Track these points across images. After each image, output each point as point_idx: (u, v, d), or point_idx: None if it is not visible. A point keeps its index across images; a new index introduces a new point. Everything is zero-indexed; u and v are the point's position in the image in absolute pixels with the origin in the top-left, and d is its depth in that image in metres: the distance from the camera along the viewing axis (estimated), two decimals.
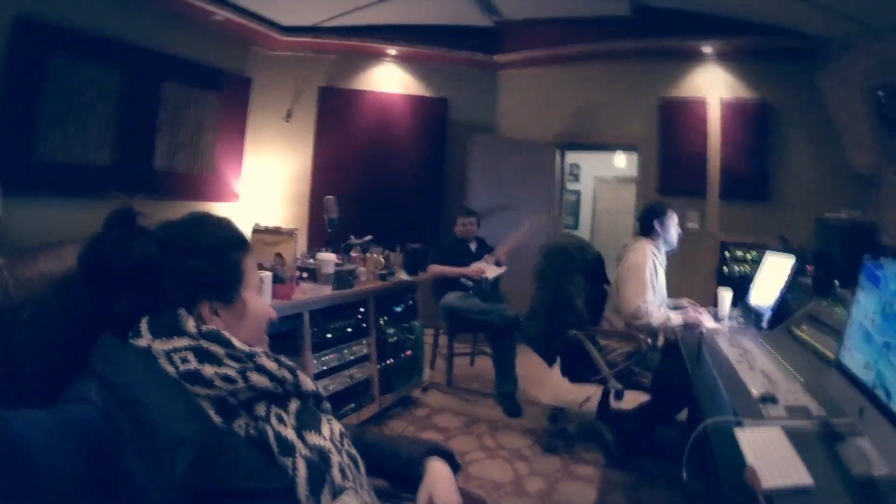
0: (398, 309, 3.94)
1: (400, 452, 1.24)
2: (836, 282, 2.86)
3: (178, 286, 0.97)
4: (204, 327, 0.95)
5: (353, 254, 3.94)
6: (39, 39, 4.20)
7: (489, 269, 4.51)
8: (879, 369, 1.41)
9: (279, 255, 3.08)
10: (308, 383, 1.07)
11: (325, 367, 3.21)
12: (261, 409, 0.95)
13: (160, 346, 0.90)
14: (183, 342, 0.91)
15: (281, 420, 0.96)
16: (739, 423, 1.58)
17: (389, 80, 6.54)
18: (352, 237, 4.12)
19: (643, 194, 5.97)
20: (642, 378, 3.20)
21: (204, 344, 0.93)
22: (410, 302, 4.09)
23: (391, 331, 3.80)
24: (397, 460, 1.22)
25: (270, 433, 0.92)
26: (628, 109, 6.07)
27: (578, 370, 3.40)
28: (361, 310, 3.56)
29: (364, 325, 3.57)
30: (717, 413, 1.67)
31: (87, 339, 0.92)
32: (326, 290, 3.27)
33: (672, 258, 3.65)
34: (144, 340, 0.90)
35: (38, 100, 4.25)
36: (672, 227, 3.51)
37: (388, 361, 3.75)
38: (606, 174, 9.55)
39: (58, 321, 0.98)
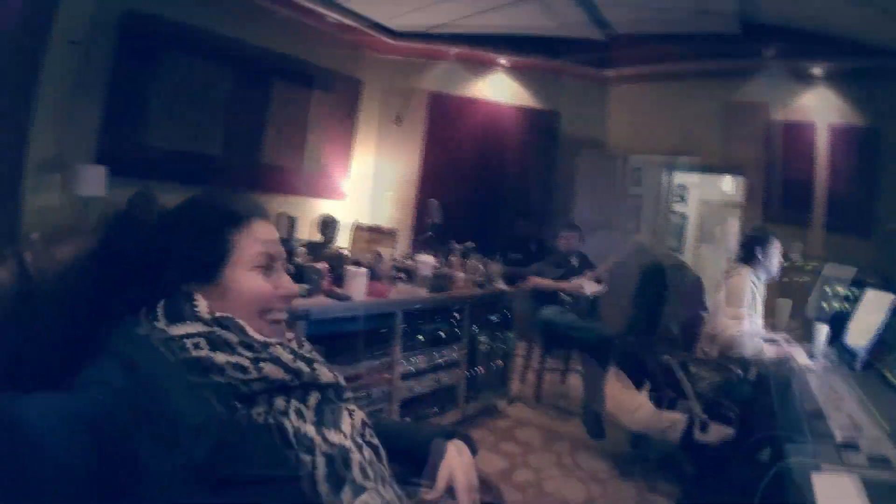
0: (493, 318, 3.91)
1: (418, 435, 1.21)
2: None
3: (167, 269, 0.95)
4: (218, 313, 0.93)
5: (452, 259, 3.95)
6: (151, 33, 4.53)
7: (588, 286, 4.42)
8: None
9: (377, 253, 3.12)
10: (326, 374, 1.02)
11: (412, 369, 3.21)
12: (280, 403, 0.91)
13: (175, 331, 0.88)
14: (196, 328, 0.89)
15: (301, 415, 0.92)
16: (817, 468, 1.47)
17: (500, 89, 6.54)
18: (453, 242, 4.13)
19: (748, 220, 5.71)
20: (730, 411, 3.08)
21: (217, 331, 0.91)
22: (506, 312, 4.05)
23: (483, 339, 3.78)
24: (415, 443, 1.18)
25: (289, 429, 0.88)
26: (735, 131, 5.80)
27: (666, 396, 3.31)
28: (456, 315, 3.55)
29: (457, 330, 3.56)
30: (797, 454, 1.55)
31: (107, 321, 0.91)
32: (422, 292, 3.30)
33: (769, 288, 3.49)
34: (161, 324, 0.89)
35: (150, 89, 4.58)
36: (774, 256, 3.37)
37: (476, 369, 3.74)
38: (713, 198, 9.09)
39: (80, 302, 0.95)
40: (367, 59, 6.37)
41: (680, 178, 7.90)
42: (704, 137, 5.99)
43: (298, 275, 2.81)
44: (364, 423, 1.04)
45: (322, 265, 2.94)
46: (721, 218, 9.05)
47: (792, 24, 5.17)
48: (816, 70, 5.36)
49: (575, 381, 4.53)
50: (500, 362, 3.95)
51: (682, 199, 9.25)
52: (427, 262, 3.39)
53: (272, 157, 5.56)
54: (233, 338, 0.91)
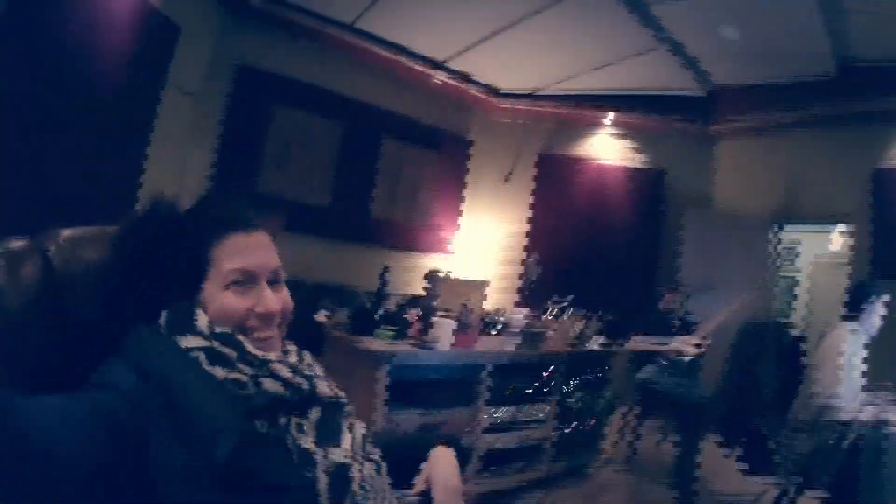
0: (588, 377, 3.84)
1: (418, 445, 1.19)
2: None
3: (154, 280, 0.94)
4: (217, 328, 0.91)
5: (546, 316, 3.92)
6: (264, 87, 4.95)
7: (689, 348, 4.27)
8: None
9: (466, 304, 3.16)
10: (326, 390, 0.99)
11: (496, 422, 3.19)
12: (281, 419, 0.90)
13: (180, 342, 0.88)
14: (196, 341, 0.88)
15: (301, 430, 0.91)
16: None
17: (605, 148, 6.55)
18: (551, 300, 4.11)
19: (855, 275, 5.30)
20: (823, 478, 2.83)
21: (215, 345, 0.89)
22: (603, 371, 3.98)
23: (576, 397, 3.71)
24: (414, 452, 1.17)
25: (291, 444, 0.88)
26: (842, 181, 5.49)
27: (758, 461, 3.08)
28: (546, 373, 3.51)
29: (546, 388, 3.52)
30: None
31: (119, 324, 0.92)
32: (510, 347, 3.31)
33: (880, 343, 3.24)
34: (165, 333, 0.89)
35: (262, 140, 4.97)
36: (878, 314, 3.12)
37: (567, 428, 3.66)
38: (823, 256, 8.55)
39: (97, 302, 0.96)
40: (476, 119, 6.58)
41: (789, 237, 7.51)
42: (810, 191, 5.73)
43: (389, 322, 2.93)
44: (364, 438, 1.03)
45: (412, 313, 3.03)
46: (832, 277, 8.41)
47: (889, 62, 4.92)
48: None
49: (670, 447, 4.29)
50: (592, 422, 3.85)
51: (792, 259, 8.76)
52: (516, 317, 3.40)
53: (381, 211, 5.79)
54: (231, 353, 0.89)
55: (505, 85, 6.29)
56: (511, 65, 5.80)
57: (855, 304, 3.14)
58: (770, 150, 6.00)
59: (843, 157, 5.48)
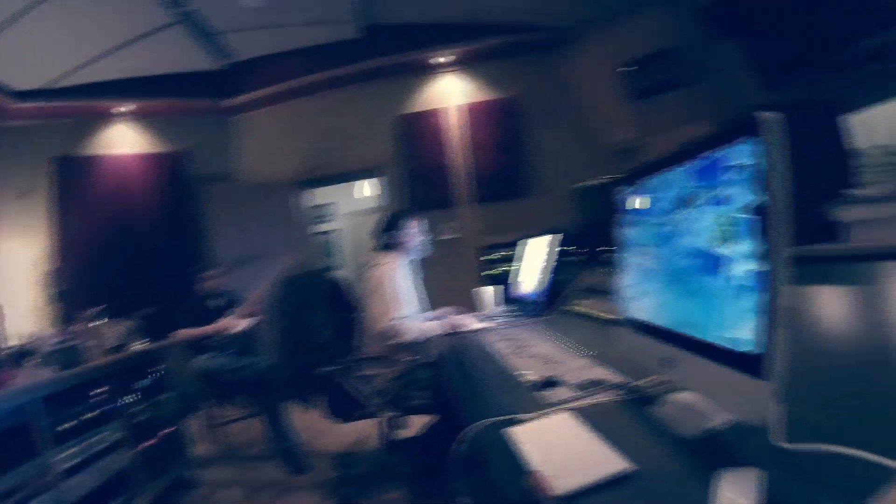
0: (144, 384, 3.49)
1: None
2: (605, 248, 2.84)
3: None
4: None
5: (76, 328, 3.39)
6: None
7: (240, 323, 4.30)
8: (675, 303, 1.22)
9: None
10: None
11: (75, 462, 2.72)
12: None
13: None
14: None
15: None
16: (514, 421, 1.35)
17: (126, 140, 6.08)
18: (85, 311, 3.57)
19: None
20: (420, 399, 2.94)
21: None
22: (158, 374, 3.65)
23: (139, 409, 3.35)
24: None
25: None
26: (367, 134, 6.06)
27: (346, 408, 3.07)
28: (100, 390, 3.09)
29: (109, 406, 3.11)
30: (491, 416, 1.42)
31: None
32: (46, 373, 2.84)
33: (432, 269, 3.55)
34: None
35: None
36: (413, 235, 3.33)
37: (146, 444, 3.30)
38: (360, 207, 9.14)
39: None
40: None
41: (323, 195, 7.95)
42: (338, 149, 6.16)
43: None
44: None
45: None
46: (372, 224, 9.27)
47: (412, 20, 5.56)
48: (442, 58, 5.76)
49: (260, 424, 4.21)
50: (169, 429, 3.56)
51: (329, 216, 9.33)
52: (43, 336, 3.00)
53: None
54: None
55: (19, 83, 5.39)
56: (23, 60, 5.03)
57: (385, 235, 3.31)
58: (295, 114, 6.22)
59: (370, 111, 5.99)
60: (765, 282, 0.90)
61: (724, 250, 1.03)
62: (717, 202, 1.05)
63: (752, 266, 0.94)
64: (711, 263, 1.07)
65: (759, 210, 0.92)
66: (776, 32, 3.68)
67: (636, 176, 1.47)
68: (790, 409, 0.86)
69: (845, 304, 1.32)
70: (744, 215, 0.97)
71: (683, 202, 1.19)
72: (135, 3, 4.61)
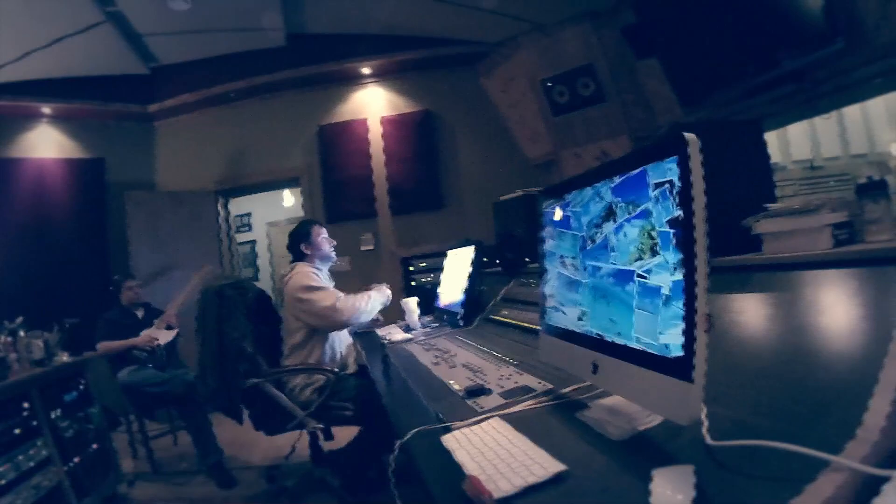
0: (69, 398, 3.34)
1: None
2: (527, 259, 2.89)
3: None
4: None
5: (3, 339, 3.28)
6: None
7: (160, 335, 4.20)
8: (599, 311, 1.28)
9: None
10: None
11: (1, 481, 2.56)
12: None
13: None
14: None
15: None
16: (446, 429, 1.37)
17: (44, 143, 5.83)
18: (5, 322, 3.44)
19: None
20: (345, 411, 2.95)
21: None
22: (82, 387, 3.49)
23: (65, 424, 3.20)
24: None
25: None
26: (288, 144, 6.04)
27: (272, 420, 3.04)
28: (26, 405, 2.95)
29: (33, 422, 2.95)
30: (421, 425, 1.42)
31: None
32: None
33: (353, 281, 3.60)
34: None
35: None
36: (323, 243, 3.33)
37: (75, 460, 3.13)
38: (278, 217, 9.18)
39: None
40: None
41: (242, 206, 7.89)
42: (259, 156, 6.11)
43: None
44: None
45: None
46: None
47: (337, 30, 5.56)
48: (365, 69, 5.77)
49: (187, 438, 4.16)
50: (96, 445, 3.39)
51: (248, 227, 9.24)
52: None
53: None
54: None
55: None
56: None
57: (295, 246, 3.32)
58: (216, 122, 6.12)
59: (291, 120, 5.95)
60: (685, 290, 0.97)
61: (647, 261, 1.10)
62: (641, 216, 1.12)
63: (673, 276, 1.01)
64: (634, 274, 1.14)
65: (679, 223, 0.99)
66: (694, 54, 3.84)
67: (562, 189, 1.53)
68: (716, 409, 0.92)
69: (761, 309, 1.42)
70: (665, 228, 1.03)
71: (608, 215, 1.26)
72: (61, 2, 4.43)
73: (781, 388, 1.10)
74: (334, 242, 3.43)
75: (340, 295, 3.05)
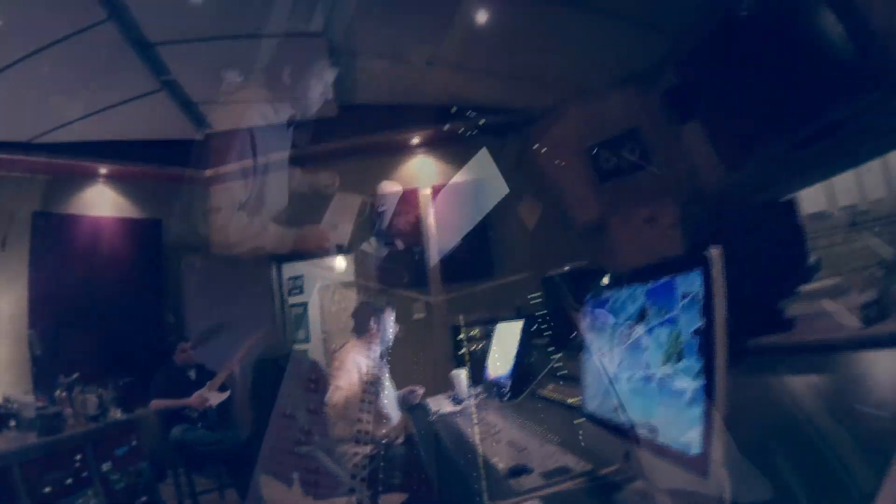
0: (121, 451, 3.51)
1: None
2: (574, 334, 2.77)
3: None
4: None
5: (59, 394, 3.50)
6: None
7: (212, 397, 4.28)
8: (630, 405, 1.36)
9: None
10: None
11: None
12: None
13: None
14: None
15: None
16: None
17: (103, 202, 6.05)
18: (61, 377, 3.66)
19: (364, 293, 5.87)
20: (394, 479, 2.96)
21: None
22: (134, 442, 3.67)
23: (116, 477, 3.36)
24: None
25: None
26: (337, 210, 5.77)
27: (320, 486, 3.06)
28: (78, 457, 3.13)
29: (84, 474, 3.13)
30: (465, 501, 1.49)
31: None
32: (30, 438, 2.91)
33: (405, 351, 3.63)
34: None
35: None
36: (389, 325, 3.39)
37: None
38: (331, 280, 8.62)
39: None
40: None
41: (294, 269, 7.84)
42: (310, 222, 5.86)
43: None
44: None
45: None
46: (343, 298, 9.29)
47: (387, 101, 5.71)
48: (414, 139, 5.91)
49: (234, 494, 4.20)
50: (144, 499, 3.51)
51: (300, 290, 9.37)
52: (27, 403, 3.04)
53: None
54: None
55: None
56: (6, 113, 5.00)
57: (364, 319, 3.38)
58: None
59: (344, 188, 5.75)
60: (706, 395, 1.05)
61: (673, 365, 1.19)
62: (670, 322, 1.22)
63: (695, 381, 1.10)
64: (662, 376, 1.23)
65: (702, 332, 1.08)
66: (733, 113, 3.85)
67: (601, 286, 1.65)
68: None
69: (789, 395, 1.45)
70: (690, 338, 1.13)
71: (640, 316, 1.36)
72: (125, 66, 4.64)
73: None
74: (398, 328, 3.48)
75: (342, 394, 3.07)
